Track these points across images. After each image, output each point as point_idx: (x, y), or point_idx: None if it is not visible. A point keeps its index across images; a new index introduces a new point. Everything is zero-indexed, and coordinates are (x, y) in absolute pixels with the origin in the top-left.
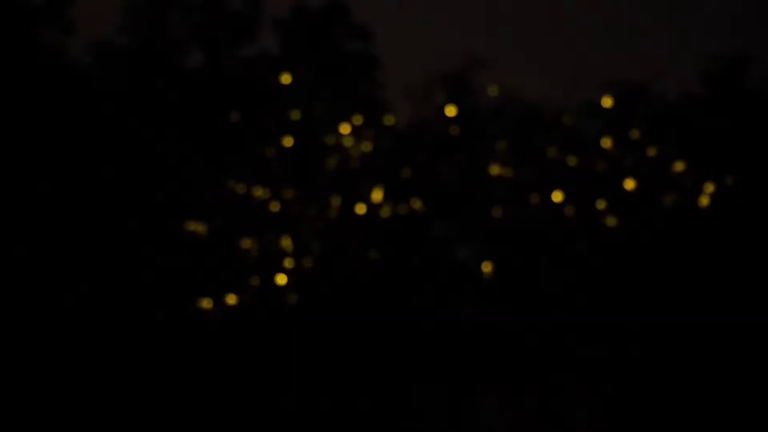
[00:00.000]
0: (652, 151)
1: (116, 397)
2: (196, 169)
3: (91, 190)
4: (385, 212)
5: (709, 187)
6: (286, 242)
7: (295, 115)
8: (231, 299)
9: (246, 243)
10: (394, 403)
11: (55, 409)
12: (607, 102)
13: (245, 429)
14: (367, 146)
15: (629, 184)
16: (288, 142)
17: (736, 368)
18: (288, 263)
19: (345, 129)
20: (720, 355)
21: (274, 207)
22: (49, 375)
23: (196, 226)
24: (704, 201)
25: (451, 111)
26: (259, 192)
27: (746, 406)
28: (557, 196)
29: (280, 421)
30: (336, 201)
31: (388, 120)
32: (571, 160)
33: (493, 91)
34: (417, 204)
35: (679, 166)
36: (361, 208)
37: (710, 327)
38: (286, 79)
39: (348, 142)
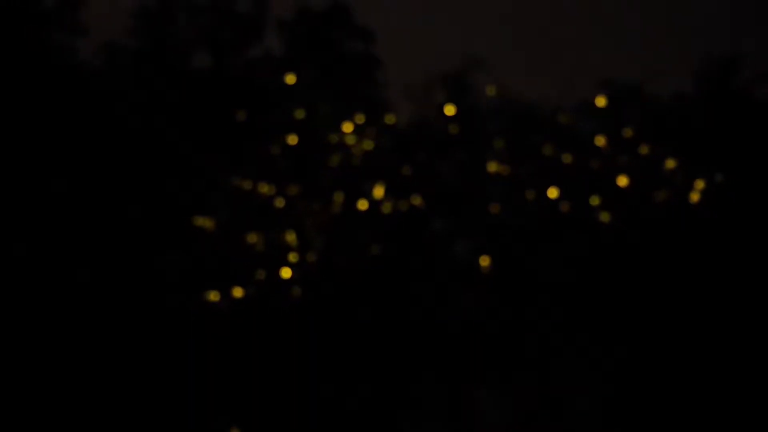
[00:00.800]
0: (644, 149)
1: (120, 390)
2: (204, 167)
3: (101, 188)
4: (387, 208)
5: (700, 184)
6: (291, 237)
7: (299, 114)
8: (237, 292)
9: (252, 238)
10: (395, 393)
11: (60, 401)
12: (601, 101)
13: (249, 417)
14: (368, 144)
15: (622, 181)
16: (292, 140)
17: (725, 359)
18: (292, 257)
19: (347, 128)
20: (713, 348)
21: (279, 203)
22: (56, 366)
23: (204, 222)
24: (695, 197)
25: (450, 110)
26: (264, 188)
27: (743, 405)
28: (553, 193)
29: (282, 408)
30: (339, 197)
31: (389, 119)
32: (567, 158)
33: (491, 90)
34: (417, 200)
35: (670, 164)
36: (363, 204)
37: (702, 321)
38: (290, 79)
39: (350, 141)
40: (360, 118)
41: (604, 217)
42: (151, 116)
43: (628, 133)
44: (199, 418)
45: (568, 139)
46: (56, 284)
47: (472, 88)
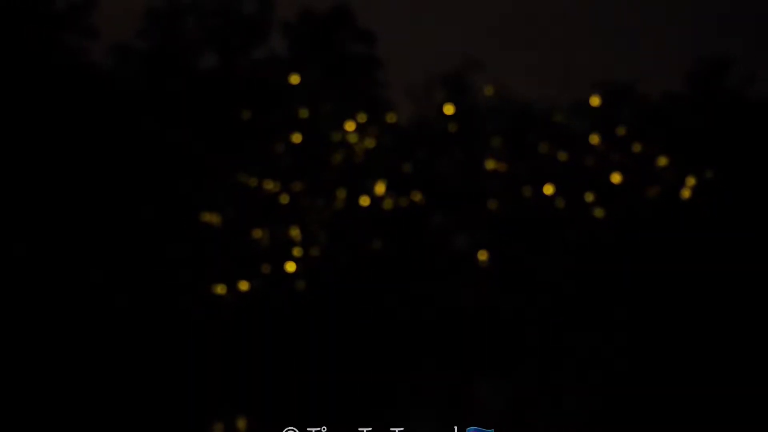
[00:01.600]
0: (637, 147)
1: (129, 380)
2: (211, 164)
3: (111, 185)
4: (388, 204)
5: (691, 181)
6: (295, 232)
7: (303, 113)
8: (243, 286)
9: (257, 233)
10: (394, 384)
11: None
12: (595, 101)
13: (254, 405)
14: (370, 142)
15: (616, 178)
16: (296, 138)
17: (717, 345)
18: (297, 252)
19: (350, 126)
20: (705, 337)
21: (284, 199)
22: (67, 354)
23: (211, 217)
24: (686, 194)
25: (449, 109)
26: (269, 185)
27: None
28: (548, 189)
29: (287, 396)
30: (341, 194)
31: (390, 118)
32: (562, 156)
33: (488, 90)
34: (417, 196)
35: (662, 161)
36: (365, 201)
37: (696, 313)
38: (294, 79)
39: (353, 139)
40: (362, 117)
41: (598, 212)
42: (160, 115)
43: (621, 131)
44: (205, 407)
45: (563, 137)
46: (69, 282)
47: (470, 88)
